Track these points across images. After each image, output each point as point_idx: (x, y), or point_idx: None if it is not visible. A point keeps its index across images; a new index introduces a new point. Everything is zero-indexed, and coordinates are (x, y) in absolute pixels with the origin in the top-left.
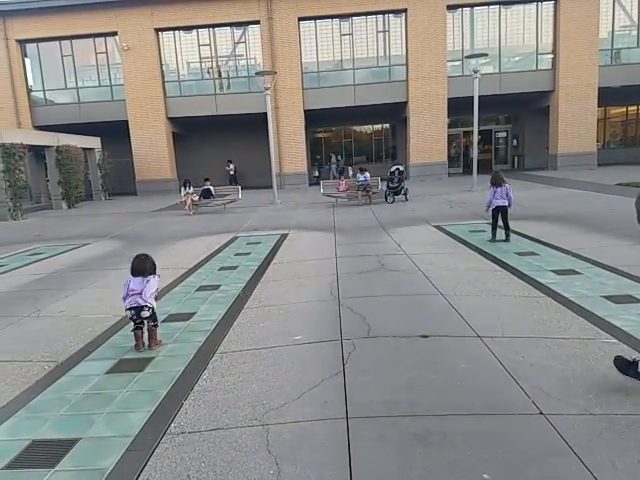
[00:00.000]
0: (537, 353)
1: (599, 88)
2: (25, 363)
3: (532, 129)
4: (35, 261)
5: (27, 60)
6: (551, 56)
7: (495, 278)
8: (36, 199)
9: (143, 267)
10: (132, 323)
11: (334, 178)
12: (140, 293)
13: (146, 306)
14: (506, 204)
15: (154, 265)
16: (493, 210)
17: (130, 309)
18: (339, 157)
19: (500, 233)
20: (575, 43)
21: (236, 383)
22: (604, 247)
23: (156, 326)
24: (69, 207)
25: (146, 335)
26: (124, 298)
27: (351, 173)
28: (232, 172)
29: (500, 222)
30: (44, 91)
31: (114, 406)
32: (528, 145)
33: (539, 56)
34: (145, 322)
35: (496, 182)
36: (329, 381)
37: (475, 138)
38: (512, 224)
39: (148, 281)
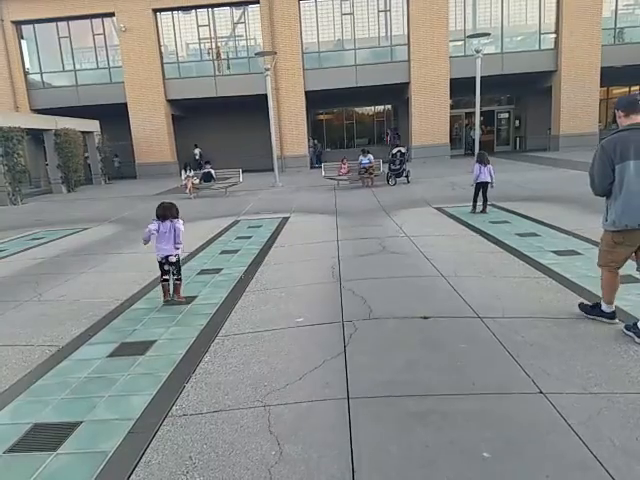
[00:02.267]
0: (537, 333)
1: (602, 68)
2: (26, 347)
3: (534, 110)
4: (35, 246)
5: (23, 42)
6: (554, 36)
7: (496, 259)
8: (35, 183)
9: (166, 213)
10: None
11: (312, 163)
12: (171, 240)
13: (178, 258)
14: (489, 180)
15: (177, 211)
16: (478, 184)
17: (163, 260)
18: (316, 141)
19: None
20: (578, 22)
21: (238, 365)
22: None
23: (180, 280)
24: (69, 191)
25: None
26: (147, 235)
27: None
28: (197, 157)
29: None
30: (41, 74)
31: (116, 389)
32: (530, 126)
33: (542, 36)
34: (170, 274)
35: (482, 160)
36: (330, 362)
37: (477, 119)
38: (514, 205)
39: (176, 228)
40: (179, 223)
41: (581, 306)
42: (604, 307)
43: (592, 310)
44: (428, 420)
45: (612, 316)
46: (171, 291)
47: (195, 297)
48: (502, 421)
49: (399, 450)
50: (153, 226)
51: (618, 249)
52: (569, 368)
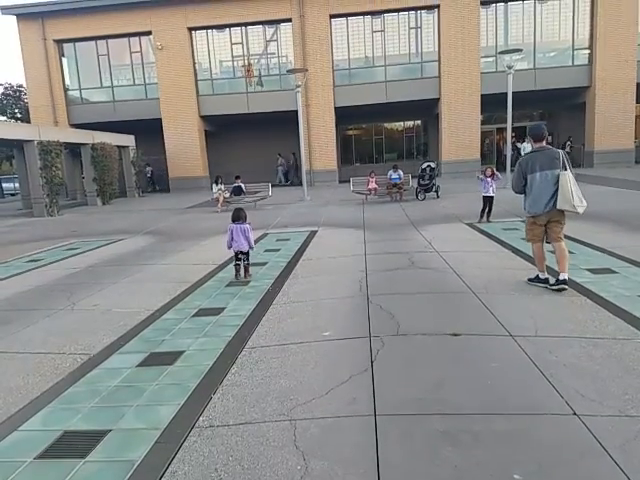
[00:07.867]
0: (571, 353)
1: (638, 84)
2: (58, 355)
3: (567, 126)
4: (71, 256)
5: (64, 59)
6: (588, 51)
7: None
8: (72, 195)
9: (239, 215)
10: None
11: (280, 182)
12: (244, 238)
13: (249, 249)
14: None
15: (246, 216)
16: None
17: (238, 252)
18: (284, 158)
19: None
20: (613, 37)
21: (264, 378)
22: None
23: (249, 264)
24: (104, 203)
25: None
26: (229, 242)
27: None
28: (149, 175)
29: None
30: (80, 90)
31: (144, 399)
32: (563, 142)
33: (575, 51)
34: (242, 260)
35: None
36: (357, 378)
37: (509, 135)
38: None
39: (245, 229)
40: (247, 225)
41: (529, 279)
42: (540, 275)
43: (533, 280)
44: (457, 440)
45: (546, 281)
46: (241, 272)
47: (223, 309)
48: (534, 443)
49: (427, 470)
50: (229, 237)
51: (534, 227)
52: (604, 390)
